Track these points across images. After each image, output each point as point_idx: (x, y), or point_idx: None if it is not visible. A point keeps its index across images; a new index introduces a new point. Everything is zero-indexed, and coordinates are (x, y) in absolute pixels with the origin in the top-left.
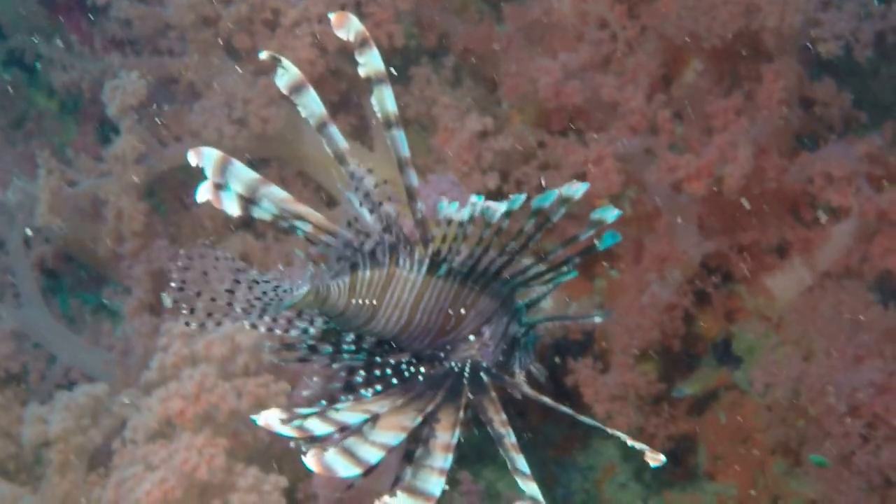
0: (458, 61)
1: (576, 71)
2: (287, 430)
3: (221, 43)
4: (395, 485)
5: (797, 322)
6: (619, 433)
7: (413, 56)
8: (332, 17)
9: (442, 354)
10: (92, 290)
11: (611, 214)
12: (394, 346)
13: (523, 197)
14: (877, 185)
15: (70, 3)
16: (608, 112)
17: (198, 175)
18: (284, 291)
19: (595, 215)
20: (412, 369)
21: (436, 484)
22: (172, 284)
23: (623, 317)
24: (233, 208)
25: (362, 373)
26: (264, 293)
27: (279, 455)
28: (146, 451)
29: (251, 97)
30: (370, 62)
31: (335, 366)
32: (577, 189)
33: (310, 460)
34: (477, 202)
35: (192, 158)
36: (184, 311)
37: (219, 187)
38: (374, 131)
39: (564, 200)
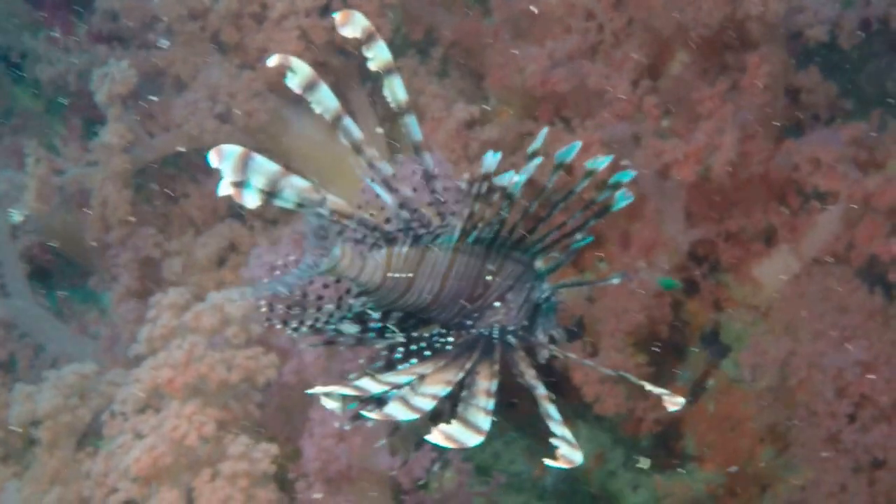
0: (445, 53)
1: (563, 59)
2: (346, 390)
3: (209, 36)
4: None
5: (785, 309)
6: (636, 380)
7: (400, 48)
8: (337, 16)
9: (469, 322)
10: (78, 284)
11: (627, 176)
12: (419, 319)
13: (537, 161)
14: (863, 170)
15: (58, 2)
16: (595, 100)
17: (185, 167)
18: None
19: (613, 179)
20: (443, 340)
21: (484, 420)
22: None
23: (611, 301)
24: (253, 202)
25: (401, 349)
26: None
27: (269, 433)
28: (135, 421)
29: (236, 90)
30: (378, 55)
31: (379, 345)
32: (602, 161)
33: (373, 413)
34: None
35: (213, 160)
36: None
37: (238, 184)
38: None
39: (589, 173)
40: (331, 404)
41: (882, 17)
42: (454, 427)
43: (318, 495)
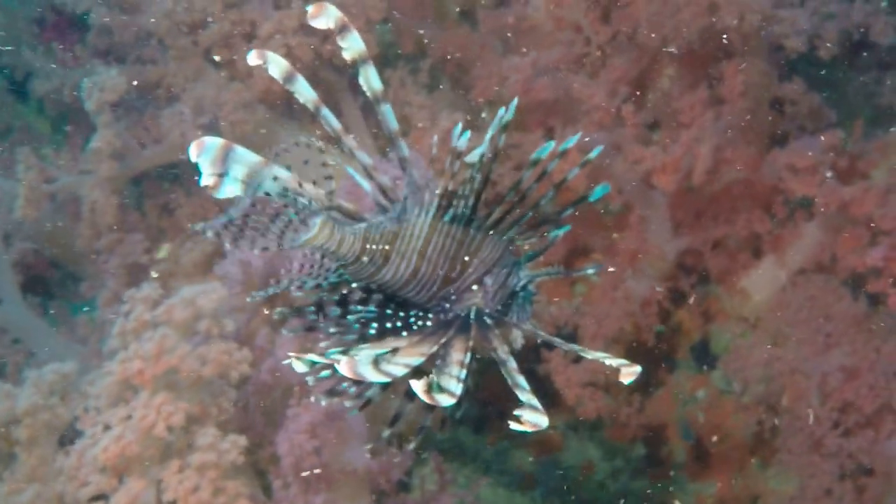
0: (435, 67)
1: (546, 69)
2: (317, 358)
3: (201, 51)
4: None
5: (773, 320)
6: (594, 354)
7: (391, 61)
8: (310, 9)
9: (447, 305)
10: (71, 292)
11: (593, 152)
12: (399, 303)
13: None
14: (845, 180)
15: (61, 23)
16: (578, 110)
17: (180, 179)
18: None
19: (583, 159)
20: (420, 323)
21: (456, 386)
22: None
23: (593, 306)
24: (233, 192)
25: (375, 325)
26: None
27: (245, 428)
28: (108, 415)
29: (222, 101)
30: (352, 45)
31: (350, 318)
32: (570, 140)
33: (342, 366)
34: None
35: (193, 153)
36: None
37: (220, 175)
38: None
39: (559, 154)
40: (301, 367)
41: (861, 26)
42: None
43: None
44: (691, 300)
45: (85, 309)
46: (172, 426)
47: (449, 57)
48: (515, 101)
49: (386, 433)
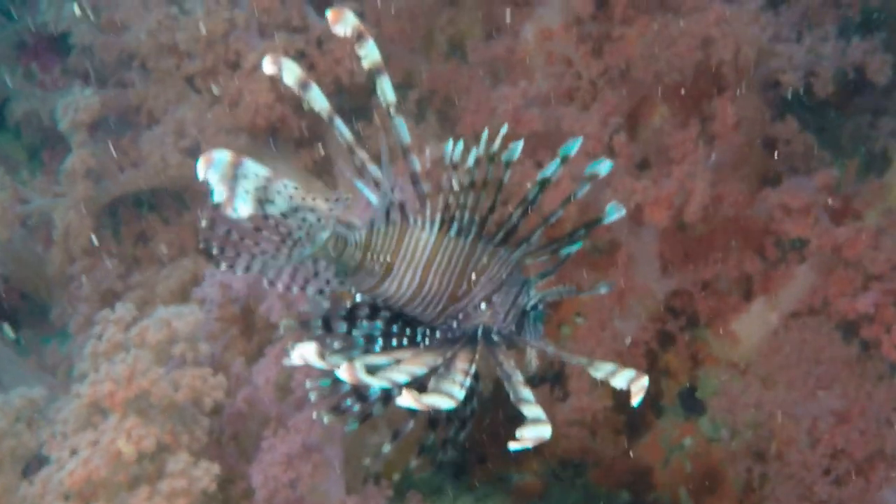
0: (423, 99)
1: (535, 99)
2: (319, 363)
3: (183, 74)
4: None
5: (763, 365)
6: (602, 370)
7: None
8: (329, 14)
9: (454, 324)
10: (40, 321)
11: (604, 168)
12: (406, 321)
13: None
14: (838, 220)
15: (41, 45)
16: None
17: (157, 206)
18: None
19: (589, 170)
20: (427, 341)
21: (458, 392)
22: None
23: (579, 346)
24: (246, 210)
25: (380, 341)
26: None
27: (217, 456)
28: (75, 440)
29: (204, 125)
30: (369, 54)
31: (355, 333)
32: (572, 145)
33: (343, 372)
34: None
35: (201, 170)
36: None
37: (230, 190)
38: (336, 170)
39: (562, 160)
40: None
41: (858, 64)
42: (425, 394)
43: None
44: (679, 343)
45: (54, 339)
46: (143, 451)
47: (436, 89)
48: (521, 143)
49: (387, 448)
